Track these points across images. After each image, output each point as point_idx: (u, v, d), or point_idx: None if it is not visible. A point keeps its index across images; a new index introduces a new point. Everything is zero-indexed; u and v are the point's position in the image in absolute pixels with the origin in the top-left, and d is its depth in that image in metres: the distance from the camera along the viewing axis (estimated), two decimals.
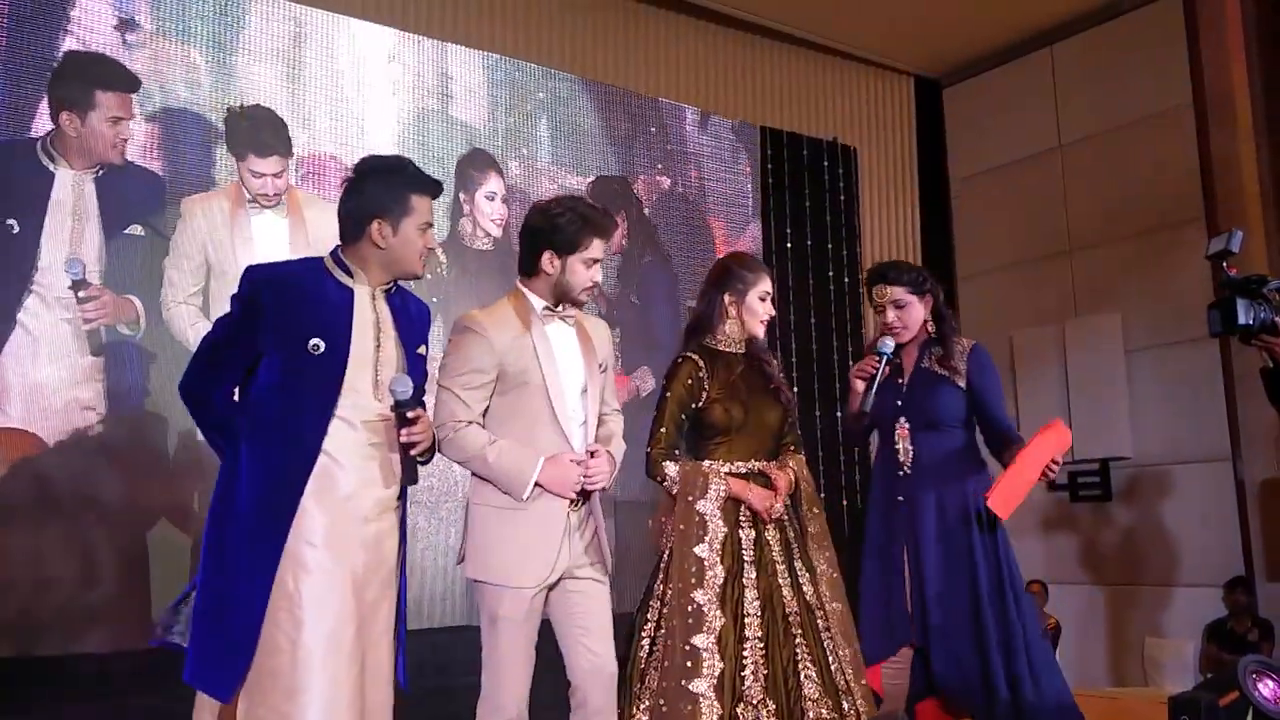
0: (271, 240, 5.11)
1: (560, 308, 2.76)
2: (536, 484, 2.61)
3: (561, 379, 2.69)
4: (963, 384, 3.28)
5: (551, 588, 2.67)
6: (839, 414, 3.33)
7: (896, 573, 3.24)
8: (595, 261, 2.74)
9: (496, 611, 2.61)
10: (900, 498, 3.26)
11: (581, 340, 2.80)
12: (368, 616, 2.40)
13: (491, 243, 5.95)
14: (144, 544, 4.67)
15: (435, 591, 5.39)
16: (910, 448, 3.27)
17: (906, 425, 3.28)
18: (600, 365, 2.82)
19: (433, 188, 2.57)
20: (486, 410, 2.68)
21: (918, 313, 3.31)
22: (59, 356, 4.59)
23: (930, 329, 3.33)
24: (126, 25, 4.92)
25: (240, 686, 2.32)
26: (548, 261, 2.71)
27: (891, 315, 3.29)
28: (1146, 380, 6.81)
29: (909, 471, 3.27)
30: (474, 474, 2.70)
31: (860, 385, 3.22)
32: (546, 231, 2.70)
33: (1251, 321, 2.63)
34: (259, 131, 5.22)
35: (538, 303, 2.75)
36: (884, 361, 3.21)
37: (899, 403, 3.29)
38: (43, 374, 4.56)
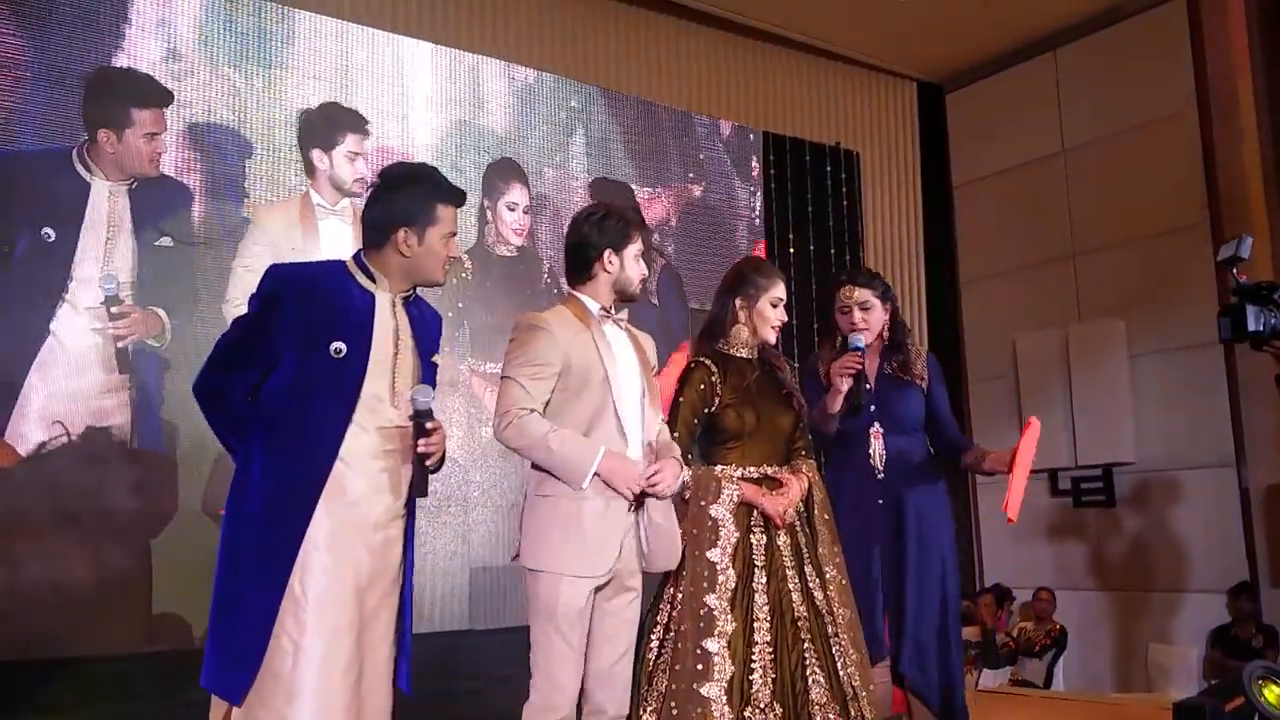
0: (337, 246, 5.17)
1: (614, 310, 2.85)
2: (595, 474, 2.63)
3: (621, 375, 2.76)
4: (924, 388, 3.44)
5: (599, 589, 2.68)
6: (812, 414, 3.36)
7: (873, 576, 3.32)
8: (642, 254, 2.86)
9: (554, 607, 2.61)
10: (880, 500, 3.36)
11: (634, 344, 2.88)
12: (368, 621, 2.40)
13: (515, 250, 5.96)
14: (147, 550, 4.67)
15: (437, 595, 5.40)
16: (883, 451, 3.38)
17: (880, 429, 3.38)
18: (654, 369, 2.91)
19: (458, 197, 2.57)
20: (547, 404, 2.71)
21: (880, 316, 3.46)
22: (87, 366, 4.60)
23: (886, 336, 3.48)
24: (172, 54, 4.94)
25: (251, 688, 2.30)
26: (607, 260, 2.80)
27: (858, 316, 3.43)
28: (1150, 385, 6.81)
29: (883, 474, 3.37)
30: (533, 465, 2.73)
31: (845, 384, 3.27)
32: (597, 235, 2.81)
33: (1262, 328, 2.65)
34: (350, 119, 5.37)
35: (593, 305, 2.82)
36: (862, 356, 3.30)
37: (872, 407, 3.38)
38: (71, 383, 4.56)
